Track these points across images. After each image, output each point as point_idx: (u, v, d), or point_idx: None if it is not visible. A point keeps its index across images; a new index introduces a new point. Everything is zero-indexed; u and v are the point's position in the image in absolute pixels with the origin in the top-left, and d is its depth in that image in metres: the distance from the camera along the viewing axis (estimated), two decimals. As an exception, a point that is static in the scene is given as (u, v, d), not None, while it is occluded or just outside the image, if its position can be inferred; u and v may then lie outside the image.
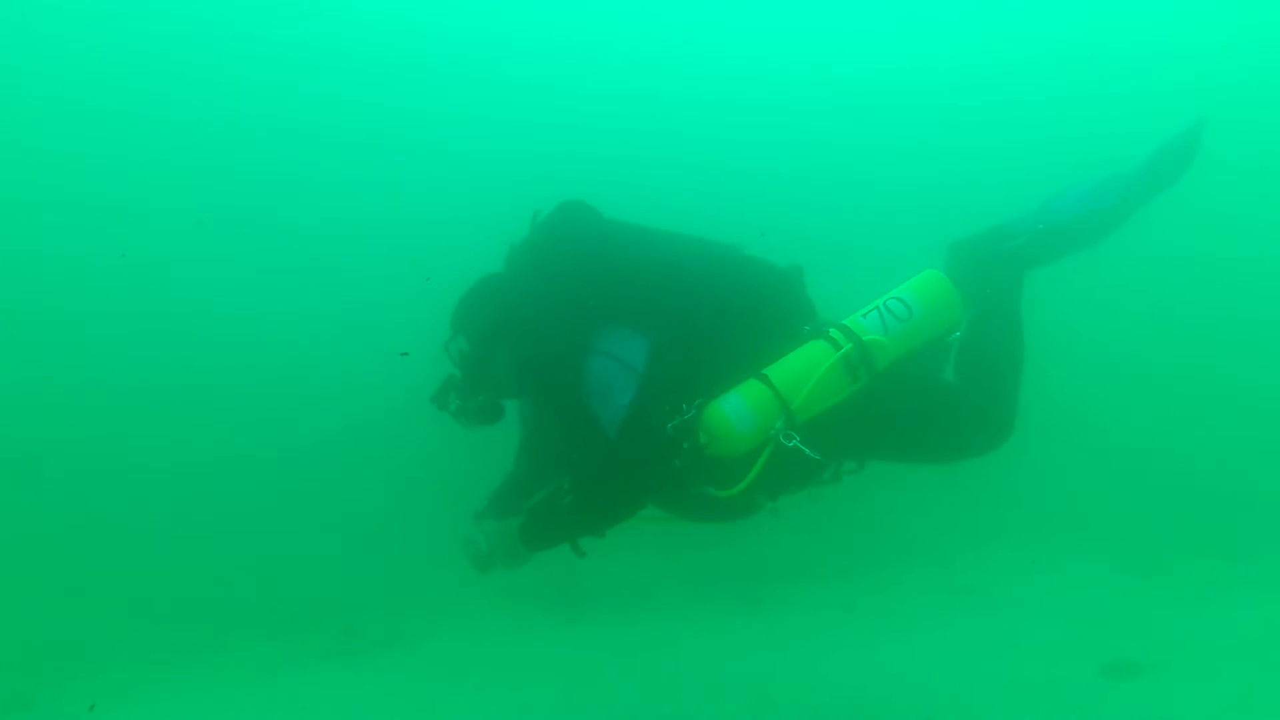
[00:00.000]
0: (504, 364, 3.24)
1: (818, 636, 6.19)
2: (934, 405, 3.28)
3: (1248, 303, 11.55)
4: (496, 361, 3.25)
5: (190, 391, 9.13)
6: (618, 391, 2.97)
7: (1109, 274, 12.43)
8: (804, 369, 2.97)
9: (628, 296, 3.12)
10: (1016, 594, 6.88)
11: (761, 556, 7.92)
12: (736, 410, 2.91)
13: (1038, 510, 8.49)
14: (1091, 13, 14.25)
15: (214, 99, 11.38)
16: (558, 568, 7.63)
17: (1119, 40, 13.93)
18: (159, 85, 11.12)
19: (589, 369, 3.01)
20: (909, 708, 4.97)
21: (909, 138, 13.18)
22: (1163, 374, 10.78)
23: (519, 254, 3.36)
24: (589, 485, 3.11)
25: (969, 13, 14.38)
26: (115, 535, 7.48)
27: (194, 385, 9.17)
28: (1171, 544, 7.48)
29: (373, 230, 11.11)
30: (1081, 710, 4.83)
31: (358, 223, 11.24)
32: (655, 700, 5.25)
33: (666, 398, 2.97)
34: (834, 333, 3.05)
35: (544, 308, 3.14)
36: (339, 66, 12.23)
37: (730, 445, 2.93)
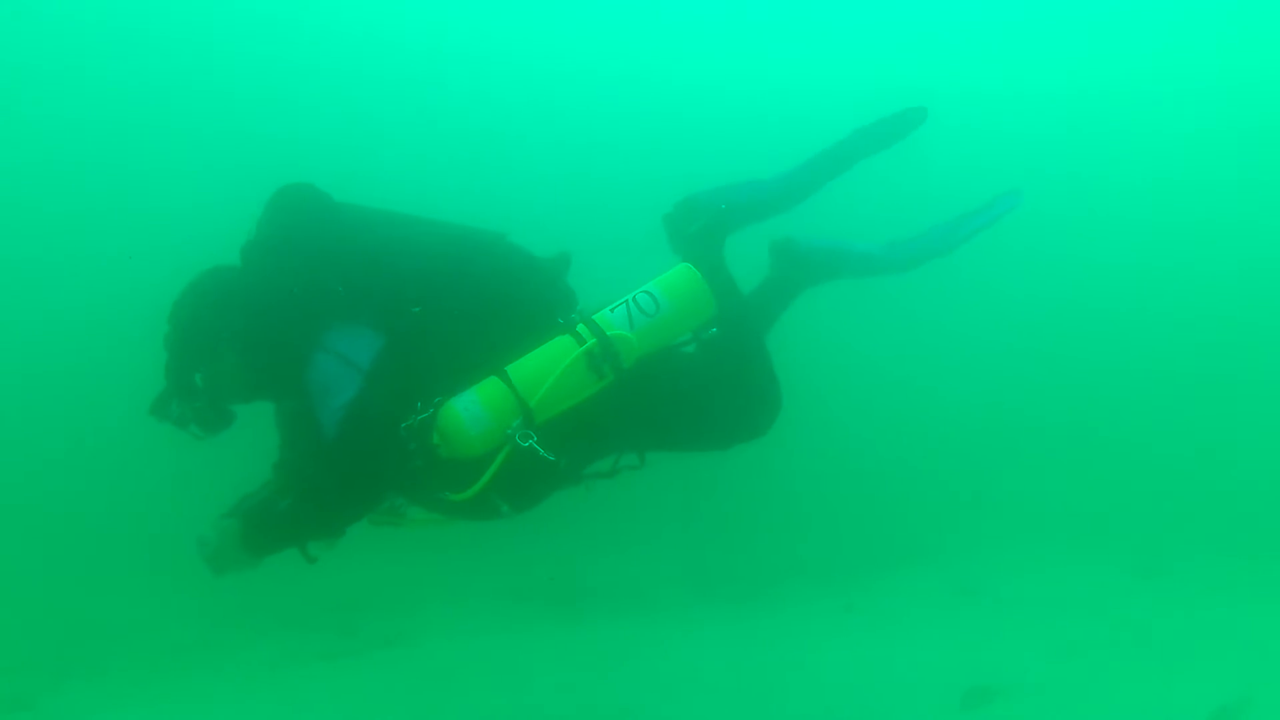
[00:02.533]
0: (229, 365, 3.05)
1: (818, 637, 6.19)
2: (698, 396, 3.19)
3: (1247, 305, 11.57)
4: (222, 363, 3.04)
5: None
6: (338, 391, 2.83)
7: (1110, 275, 12.48)
8: (545, 366, 2.86)
9: (359, 289, 2.94)
10: (1016, 594, 6.87)
11: (761, 556, 7.92)
12: (470, 410, 2.79)
13: (1038, 510, 8.49)
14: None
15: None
16: (558, 568, 7.64)
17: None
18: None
19: (312, 368, 2.86)
20: (909, 708, 4.97)
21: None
22: (1163, 374, 10.79)
23: (248, 246, 3.12)
24: (304, 488, 2.97)
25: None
26: (116, 535, 7.48)
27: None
28: (1171, 544, 7.47)
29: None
30: (1082, 710, 4.84)
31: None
32: (655, 700, 5.24)
33: (398, 396, 2.84)
34: (581, 328, 2.94)
35: (268, 304, 2.96)
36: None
37: (463, 447, 2.80)
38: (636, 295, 3.04)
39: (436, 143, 12.06)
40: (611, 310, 3.03)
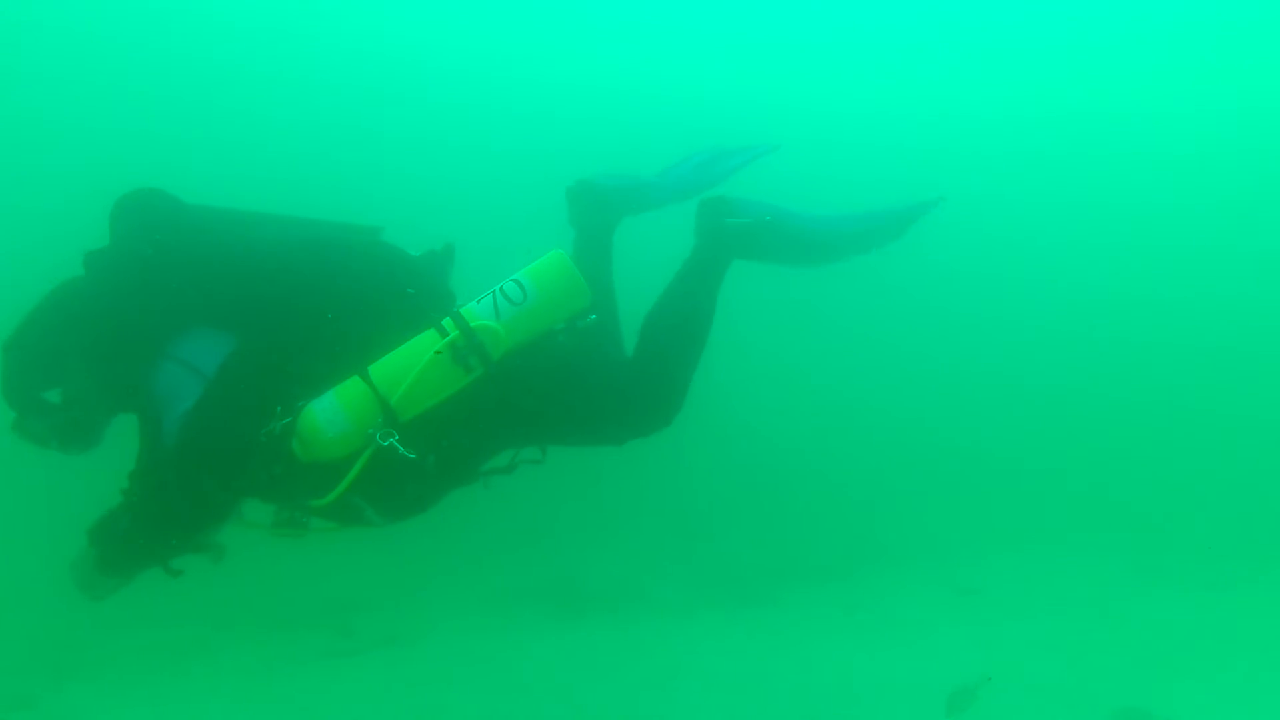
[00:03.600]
0: (79, 380, 2.96)
1: (818, 637, 6.19)
2: (585, 388, 3.08)
3: (1247, 306, 11.57)
4: (72, 378, 2.96)
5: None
6: (180, 399, 2.74)
7: (1110, 277, 12.50)
8: (407, 362, 2.77)
9: (208, 293, 2.85)
10: (1016, 594, 6.87)
11: (762, 557, 7.91)
12: (327, 411, 2.71)
13: (1038, 510, 8.48)
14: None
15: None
16: (558, 568, 7.64)
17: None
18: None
19: (157, 377, 2.77)
20: (909, 708, 4.97)
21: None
22: (1162, 374, 10.79)
23: (91, 256, 3.00)
24: (141, 502, 2.85)
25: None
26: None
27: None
28: (1171, 544, 7.47)
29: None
30: (1082, 710, 4.83)
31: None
32: (655, 700, 5.24)
33: (249, 401, 2.74)
34: (446, 321, 2.84)
35: (112, 314, 2.86)
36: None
37: (322, 450, 2.70)
38: (504, 284, 2.93)
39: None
40: (478, 301, 2.92)
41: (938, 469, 9.47)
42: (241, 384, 2.76)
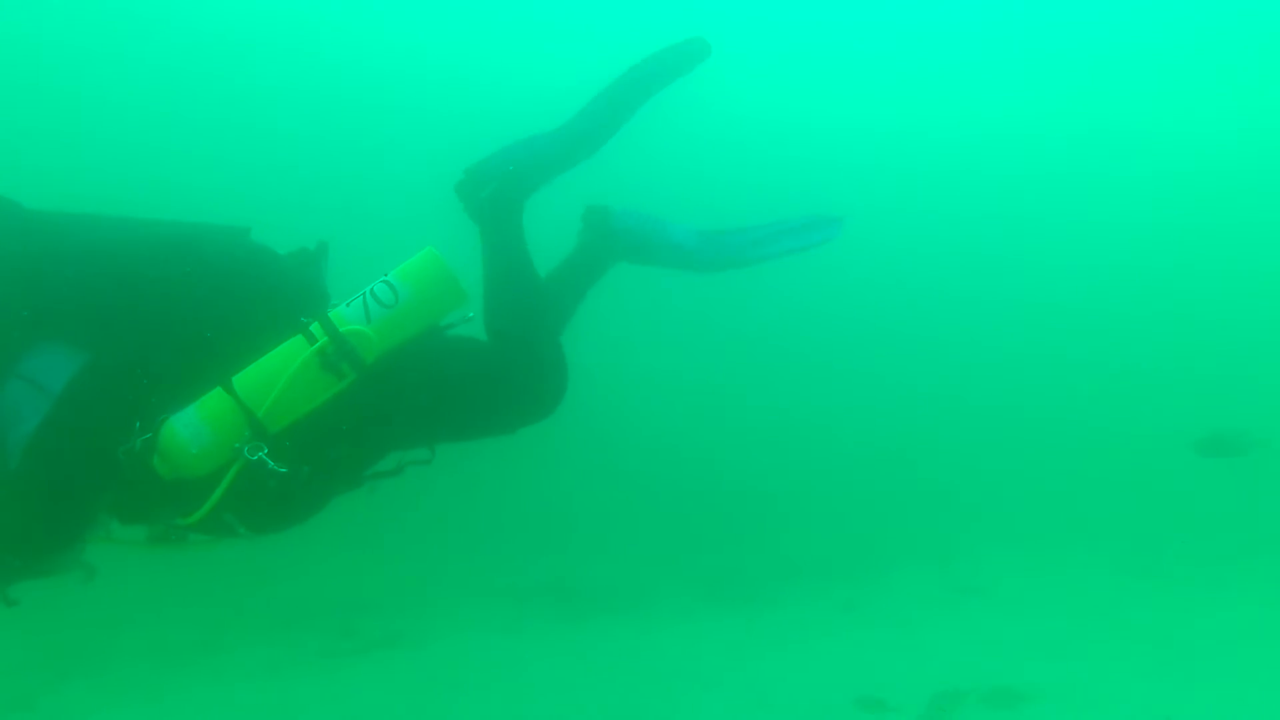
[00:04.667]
0: None
1: (818, 636, 6.19)
2: (461, 383, 2.97)
3: (1247, 307, 11.58)
4: None
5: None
6: (23, 419, 2.56)
7: (1111, 278, 12.51)
8: (274, 371, 2.62)
9: (54, 304, 2.65)
10: (1016, 594, 6.88)
11: (762, 557, 7.92)
12: (190, 426, 2.55)
13: (1038, 510, 8.49)
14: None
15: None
16: (558, 568, 7.65)
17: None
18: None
19: (1, 398, 2.59)
20: (909, 707, 4.97)
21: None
22: (1162, 375, 10.80)
23: None
24: None
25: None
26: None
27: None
28: (1171, 544, 7.48)
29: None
30: (1082, 710, 4.83)
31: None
32: (655, 700, 5.24)
33: (103, 417, 2.59)
34: (314, 327, 2.70)
35: None
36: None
37: (186, 466, 2.55)
38: (375, 286, 2.80)
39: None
40: (348, 304, 2.78)
41: (937, 469, 9.48)
42: (91, 400, 2.60)
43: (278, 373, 2.62)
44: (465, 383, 2.98)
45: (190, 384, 2.61)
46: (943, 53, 14.87)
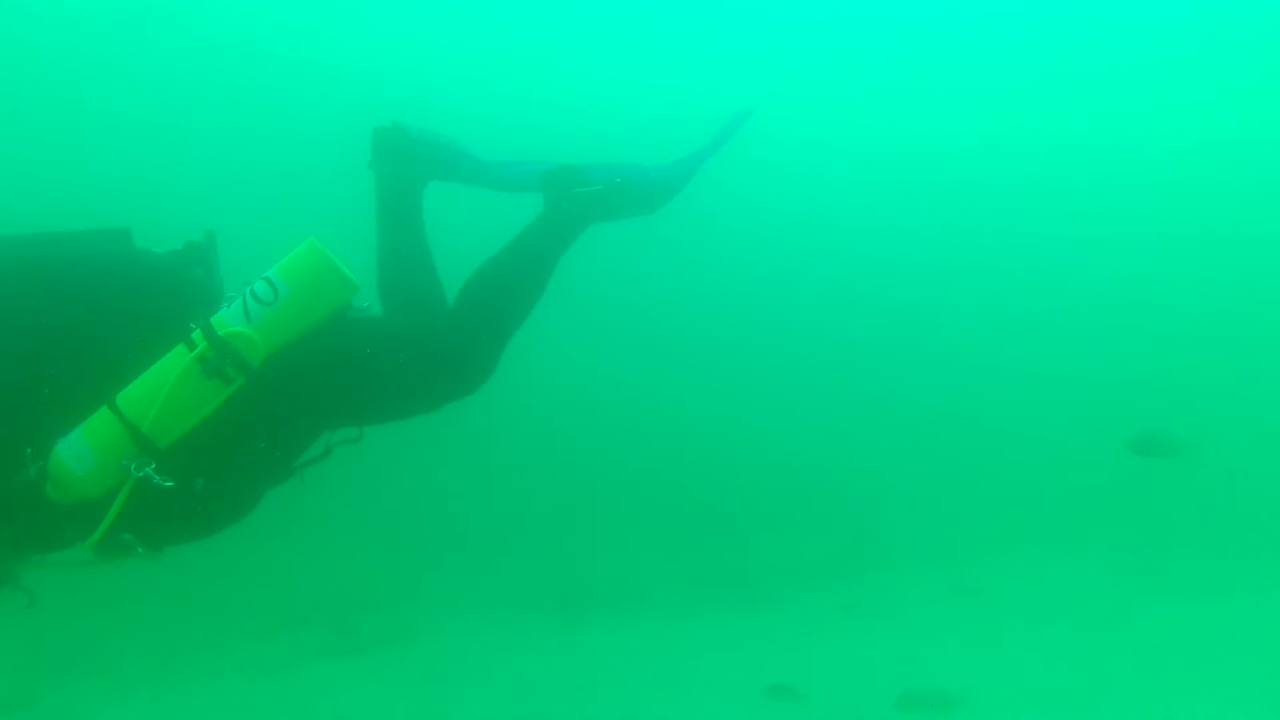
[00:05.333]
0: None
1: (818, 636, 6.19)
2: (383, 364, 2.83)
3: (1246, 308, 11.58)
4: None
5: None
6: None
7: (1112, 281, 12.52)
8: (156, 384, 2.51)
9: None
10: (1016, 594, 6.87)
11: (762, 557, 7.92)
12: (75, 449, 2.48)
13: (1038, 510, 8.49)
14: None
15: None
16: (558, 568, 7.65)
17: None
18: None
19: None
20: (909, 707, 4.97)
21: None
22: (1162, 375, 10.79)
23: None
24: None
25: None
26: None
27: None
28: (1171, 544, 7.48)
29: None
30: (1082, 710, 4.83)
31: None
32: (655, 700, 5.24)
33: None
34: (196, 333, 2.56)
35: None
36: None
37: (76, 490, 2.48)
38: (255, 284, 2.65)
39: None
40: (229, 305, 2.64)
41: (937, 470, 9.48)
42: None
43: (160, 384, 2.52)
44: (379, 364, 2.83)
45: (80, 404, 2.53)
46: (900, 63, 14.91)
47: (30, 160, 10.36)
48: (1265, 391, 10.03)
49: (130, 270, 2.73)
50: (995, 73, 14.59)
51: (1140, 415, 10.02)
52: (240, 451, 2.68)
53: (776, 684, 5.25)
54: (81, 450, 2.49)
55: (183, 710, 5.39)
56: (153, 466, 2.49)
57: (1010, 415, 10.58)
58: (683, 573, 7.68)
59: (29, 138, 10.92)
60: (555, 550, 7.85)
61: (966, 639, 5.95)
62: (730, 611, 6.85)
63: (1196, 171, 14.14)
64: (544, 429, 9.54)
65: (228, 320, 2.60)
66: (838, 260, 12.71)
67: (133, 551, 2.70)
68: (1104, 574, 7.16)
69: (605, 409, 10.08)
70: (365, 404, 2.88)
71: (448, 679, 5.70)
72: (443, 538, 7.98)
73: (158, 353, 2.56)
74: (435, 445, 9.22)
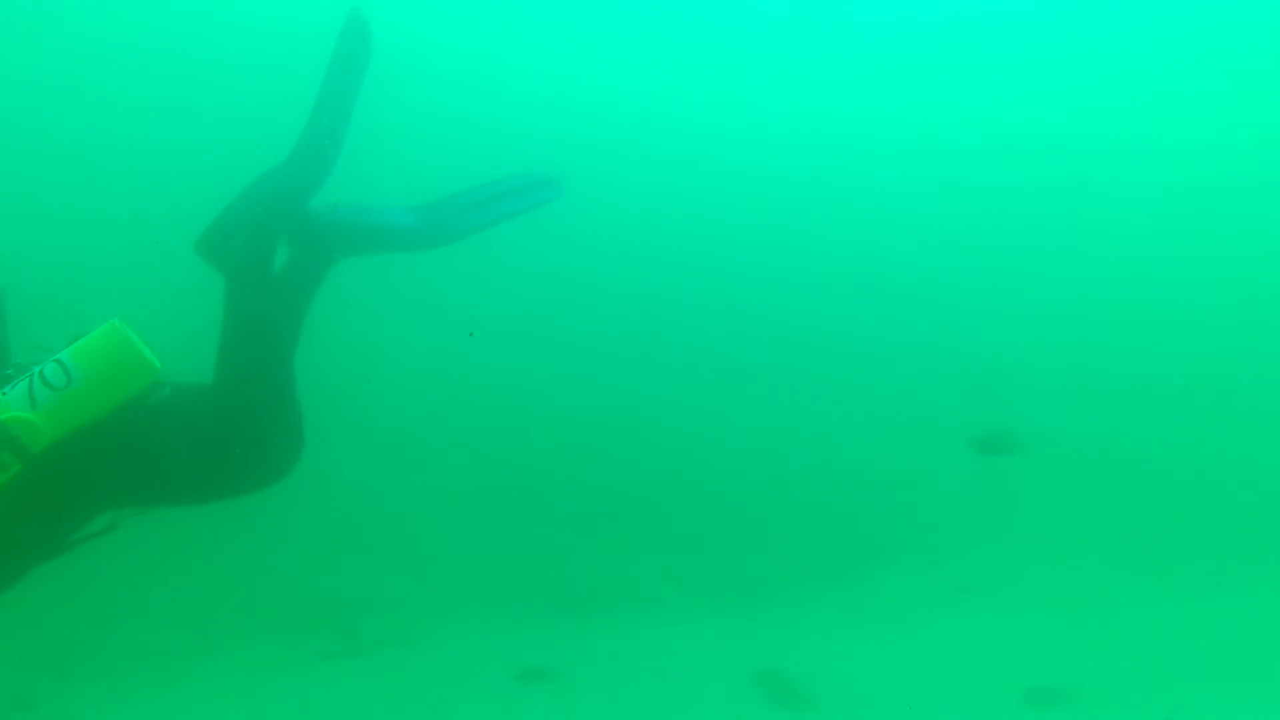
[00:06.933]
0: None
1: (818, 637, 6.19)
2: (182, 450, 2.68)
3: (1246, 309, 11.60)
4: None
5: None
6: None
7: (1113, 283, 12.53)
8: None
9: None
10: (1016, 594, 6.88)
11: (762, 557, 7.92)
12: None
13: (1038, 510, 8.49)
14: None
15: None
16: (558, 568, 7.64)
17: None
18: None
19: None
20: (909, 707, 4.97)
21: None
22: (1164, 376, 10.80)
23: None
24: None
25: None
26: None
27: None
28: (1171, 544, 7.48)
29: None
30: (1082, 710, 4.84)
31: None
32: (655, 700, 5.24)
33: None
34: None
35: None
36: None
37: None
38: (45, 367, 2.51)
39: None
40: (11, 388, 2.49)
41: (937, 470, 9.48)
42: None
43: None
44: (177, 450, 2.68)
45: None
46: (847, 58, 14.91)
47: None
48: (1265, 391, 10.03)
49: None
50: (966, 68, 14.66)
51: (1140, 415, 10.03)
52: (10, 531, 2.53)
53: (772, 680, 5.22)
54: None
55: (184, 711, 5.39)
56: None
57: (1010, 415, 10.58)
58: (683, 573, 7.68)
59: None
60: (557, 551, 7.85)
61: (967, 639, 5.96)
62: (730, 611, 6.85)
63: (1223, 170, 14.14)
64: (544, 429, 9.55)
65: (10, 404, 2.46)
66: (837, 258, 12.72)
67: None
68: (1104, 574, 7.16)
69: (605, 409, 10.08)
70: (156, 489, 2.73)
71: (450, 680, 5.70)
72: (444, 539, 7.98)
73: None
74: (435, 445, 9.23)
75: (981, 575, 7.30)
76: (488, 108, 13.10)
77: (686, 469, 9.40)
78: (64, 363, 2.51)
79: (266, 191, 2.87)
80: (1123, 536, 7.75)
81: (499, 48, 14.23)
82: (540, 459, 8.99)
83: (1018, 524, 8.22)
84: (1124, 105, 14.72)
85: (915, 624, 6.37)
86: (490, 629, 6.62)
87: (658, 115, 13.97)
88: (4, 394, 2.48)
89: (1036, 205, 13.87)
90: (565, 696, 5.37)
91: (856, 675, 5.43)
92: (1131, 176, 14.08)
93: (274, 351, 2.83)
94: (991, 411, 10.49)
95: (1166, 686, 5.00)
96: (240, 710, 5.38)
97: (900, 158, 14.57)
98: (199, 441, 2.70)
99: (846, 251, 12.80)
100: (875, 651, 5.82)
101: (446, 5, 13.95)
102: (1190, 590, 6.61)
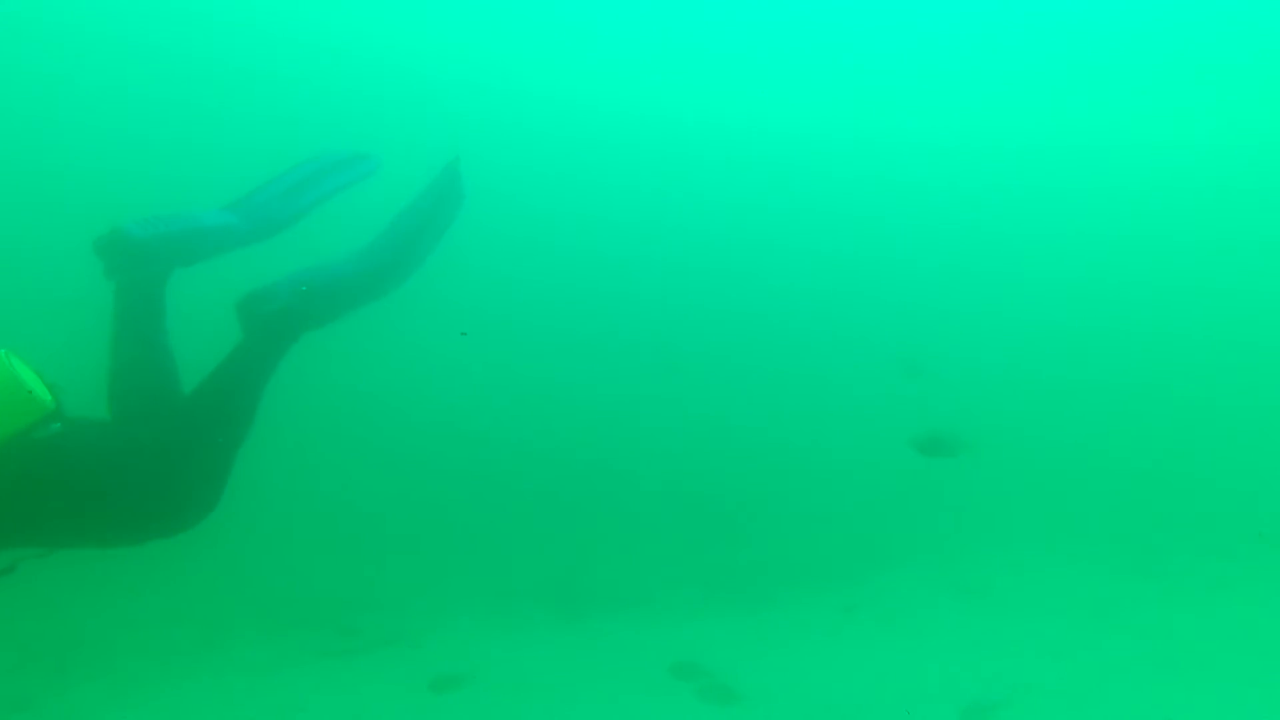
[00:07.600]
0: None
1: (818, 637, 6.19)
2: (74, 490, 2.61)
3: (1246, 310, 11.61)
4: None
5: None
6: None
7: (1113, 284, 12.53)
8: None
9: None
10: (1016, 594, 6.88)
11: (762, 557, 7.91)
12: None
13: (1038, 510, 8.49)
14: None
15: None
16: (558, 568, 7.64)
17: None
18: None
19: None
20: (909, 707, 4.97)
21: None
22: (1163, 376, 10.80)
23: None
24: None
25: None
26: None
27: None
28: (1171, 544, 7.48)
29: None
30: (1082, 710, 4.84)
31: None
32: (655, 700, 5.24)
33: None
34: None
35: None
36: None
37: None
38: None
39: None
40: None
41: (938, 470, 9.47)
42: None
43: None
44: (69, 486, 2.60)
45: None
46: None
47: None
48: (1265, 393, 10.04)
49: None
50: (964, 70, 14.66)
51: (1140, 415, 10.03)
52: None
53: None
54: None
55: (184, 710, 5.39)
56: None
57: (1010, 415, 10.59)
58: (683, 573, 7.68)
59: None
60: (557, 551, 7.85)
61: (967, 639, 5.96)
62: (731, 611, 6.85)
63: (1232, 172, 14.16)
64: (545, 429, 9.55)
65: None
66: (837, 259, 12.72)
67: None
68: (1104, 574, 7.16)
69: (606, 409, 10.08)
70: (50, 528, 2.64)
71: (450, 679, 5.70)
72: (444, 539, 7.98)
73: None
74: (436, 445, 9.22)
75: (981, 576, 7.30)
76: (487, 107, 13.12)
77: (686, 469, 9.40)
78: None
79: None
80: (1122, 538, 7.75)
81: (499, 48, 14.26)
82: (540, 459, 8.98)
83: (1018, 525, 8.22)
84: (1106, 108, 14.72)
85: (915, 624, 6.36)
86: (490, 628, 6.62)
87: (645, 120, 14.01)
88: None
89: (1037, 206, 13.88)
90: (565, 696, 5.37)
91: (856, 675, 5.43)
92: (1131, 176, 14.10)
93: (165, 391, 2.79)
94: (933, 399, 10.50)
95: (1166, 687, 5.00)
96: (240, 709, 5.38)
97: (899, 158, 14.59)
98: (94, 479, 2.61)
99: (850, 253, 12.82)
100: (875, 651, 5.82)
101: (446, 5, 13.98)
102: (1190, 591, 6.61)
